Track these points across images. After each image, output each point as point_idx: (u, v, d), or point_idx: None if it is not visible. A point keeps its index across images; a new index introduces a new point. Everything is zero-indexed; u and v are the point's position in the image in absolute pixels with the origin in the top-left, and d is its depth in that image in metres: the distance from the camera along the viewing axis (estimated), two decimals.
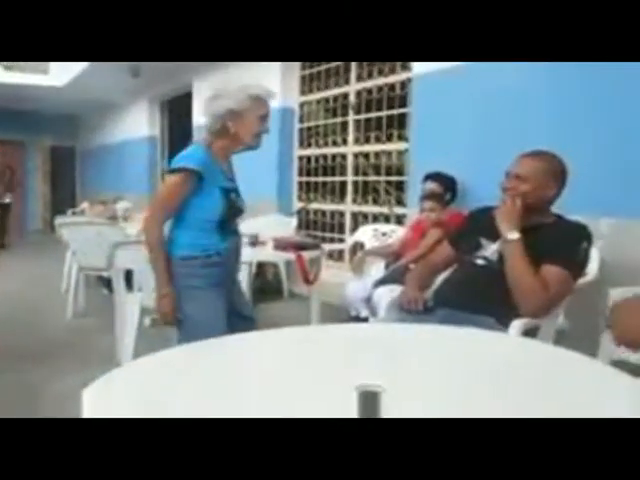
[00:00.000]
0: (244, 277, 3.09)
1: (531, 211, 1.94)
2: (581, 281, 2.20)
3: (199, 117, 7.09)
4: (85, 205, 7.95)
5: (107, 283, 4.15)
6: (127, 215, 6.34)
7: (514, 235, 1.88)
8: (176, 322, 1.97)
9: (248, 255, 3.14)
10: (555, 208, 2.02)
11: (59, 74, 8.74)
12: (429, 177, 3.47)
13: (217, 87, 2.07)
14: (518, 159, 2.01)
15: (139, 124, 9.21)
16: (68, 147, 12.52)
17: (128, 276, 2.99)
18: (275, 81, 5.50)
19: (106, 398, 0.93)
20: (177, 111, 8.39)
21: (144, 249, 1.97)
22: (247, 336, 1.35)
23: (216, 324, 1.94)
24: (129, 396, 0.95)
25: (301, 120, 5.57)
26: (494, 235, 1.98)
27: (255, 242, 3.10)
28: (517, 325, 1.79)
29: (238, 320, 2.08)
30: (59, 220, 5.14)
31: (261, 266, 4.88)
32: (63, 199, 11.71)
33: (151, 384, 1.01)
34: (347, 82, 5.01)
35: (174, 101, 8.46)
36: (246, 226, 3.16)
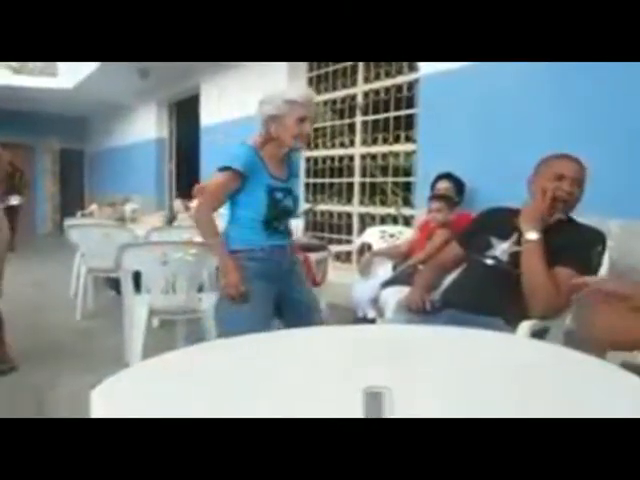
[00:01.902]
0: None
1: (560, 211, 1.92)
2: None
3: (207, 119, 7.13)
4: (94, 207, 7.99)
5: (115, 285, 4.16)
6: (135, 217, 6.36)
7: (534, 235, 1.86)
8: (244, 295, 2.06)
9: None
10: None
11: (67, 76, 8.80)
12: (442, 177, 3.46)
13: (263, 94, 2.19)
14: (558, 159, 1.96)
15: (147, 126, 9.26)
16: (77, 150, 12.60)
17: (136, 278, 3.00)
18: (282, 83, 5.51)
19: (114, 399, 0.94)
20: (185, 113, 8.43)
21: (154, 250, 2.00)
22: (257, 337, 1.35)
23: (254, 313, 2.07)
24: (137, 397, 0.95)
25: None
26: (505, 235, 1.97)
27: None
28: (526, 326, 1.77)
29: (293, 314, 2.23)
30: (68, 222, 5.17)
31: None
32: (72, 201, 11.77)
33: (159, 385, 1.01)
34: (354, 83, 5.01)
35: (182, 103, 8.49)
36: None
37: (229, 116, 6.41)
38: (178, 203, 5.98)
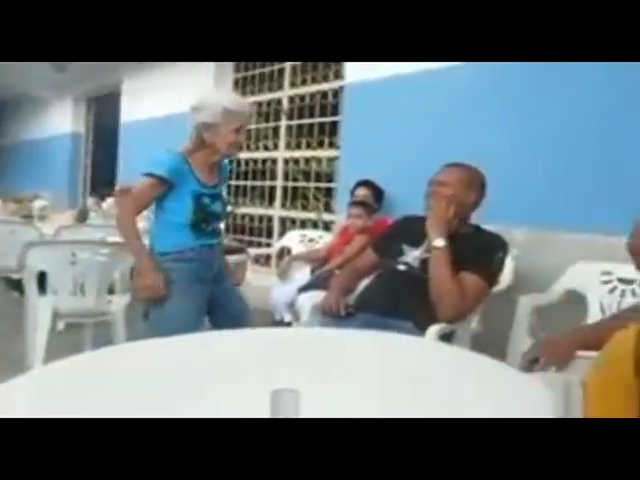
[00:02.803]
0: None
1: (455, 217, 2.00)
2: (496, 289, 2.29)
3: (127, 116, 6.89)
4: None
5: (19, 285, 3.91)
6: (44, 214, 6.02)
7: (441, 242, 1.93)
8: (163, 297, 2.07)
9: None
10: (473, 218, 2.10)
11: None
12: (361, 184, 3.52)
13: (197, 99, 2.19)
14: (441, 168, 2.08)
15: (63, 120, 8.83)
16: None
17: (42, 278, 2.83)
18: (208, 83, 5.43)
19: (11, 402, 0.88)
20: (104, 109, 8.11)
21: (61, 249, 1.92)
22: (169, 340, 1.30)
23: (183, 314, 2.08)
24: (34, 401, 0.90)
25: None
26: (416, 242, 2.03)
27: None
28: (434, 330, 1.83)
29: (222, 315, 2.25)
30: None
31: None
32: None
33: (59, 389, 0.96)
34: (280, 87, 5.01)
35: (102, 98, 8.17)
36: None
37: (150, 114, 6.23)
38: (91, 201, 5.73)
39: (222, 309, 2.26)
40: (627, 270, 2.00)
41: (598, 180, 2.62)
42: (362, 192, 3.47)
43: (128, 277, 2.99)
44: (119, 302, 2.79)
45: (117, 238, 3.04)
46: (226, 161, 2.42)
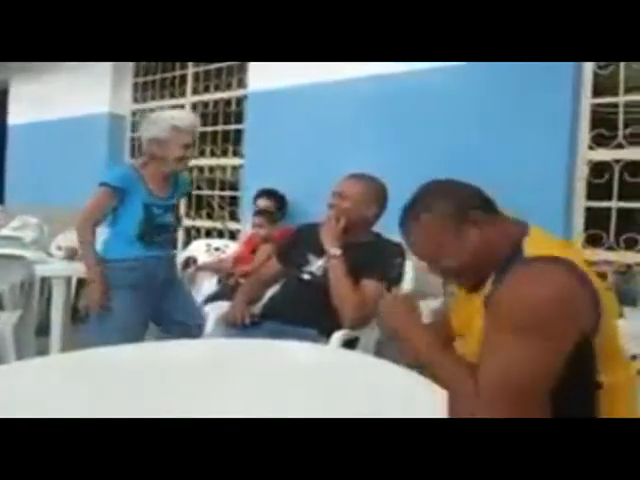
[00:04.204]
0: (59, 293, 2.84)
1: (353, 229, 2.06)
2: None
3: (15, 118, 6.44)
4: None
5: None
6: None
7: (336, 251, 1.98)
8: (105, 309, 2.21)
9: (64, 269, 2.90)
10: (377, 228, 2.17)
11: None
12: (262, 193, 3.53)
13: (150, 115, 2.39)
14: (342, 180, 2.13)
15: None
16: None
17: None
18: (105, 85, 5.22)
19: None
20: None
21: None
22: (68, 355, 1.24)
23: (126, 319, 2.21)
24: None
25: (133, 129, 5.33)
26: (320, 251, 2.07)
27: (73, 255, 2.85)
28: (337, 336, 1.87)
29: (170, 324, 2.39)
30: None
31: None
32: None
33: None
34: (183, 94, 4.92)
35: None
36: (64, 238, 2.91)
37: (41, 117, 5.86)
38: None
39: (168, 318, 2.39)
40: None
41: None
42: (263, 202, 3.48)
43: (18, 292, 2.81)
44: (7, 319, 2.60)
45: (6, 250, 2.84)
46: (185, 174, 2.61)
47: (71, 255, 2.87)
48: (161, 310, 2.37)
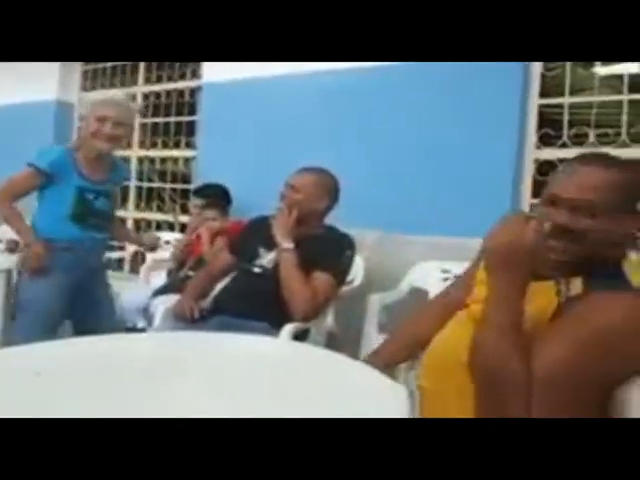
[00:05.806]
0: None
1: (304, 221, 2.05)
2: (348, 288, 2.39)
3: None
4: None
5: None
6: None
7: (288, 244, 1.97)
8: (46, 269, 2.16)
9: (3, 262, 2.78)
10: (329, 221, 2.17)
11: None
12: (209, 186, 3.43)
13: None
14: (296, 172, 2.12)
15: None
16: None
17: None
18: (53, 72, 5.03)
19: None
20: None
21: None
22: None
23: (49, 301, 2.18)
24: None
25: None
26: (271, 244, 2.05)
27: (14, 248, 2.72)
28: (288, 329, 1.87)
29: (88, 307, 2.32)
30: None
31: None
32: None
33: None
34: (135, 83, 4.78)
35: None
36: (4, 231, 2.79)
37: None
38: None
39: (87, 306, 2.31)
40: (463, 267, 2.18)
41: (438, 188, 2.85)
42: (195, 202, 3.39)
43: None
44: None
45: None
46: (123, 162, 2.56)
47: (12, 248, 2.74)
48: (81, 298, 2.29)
